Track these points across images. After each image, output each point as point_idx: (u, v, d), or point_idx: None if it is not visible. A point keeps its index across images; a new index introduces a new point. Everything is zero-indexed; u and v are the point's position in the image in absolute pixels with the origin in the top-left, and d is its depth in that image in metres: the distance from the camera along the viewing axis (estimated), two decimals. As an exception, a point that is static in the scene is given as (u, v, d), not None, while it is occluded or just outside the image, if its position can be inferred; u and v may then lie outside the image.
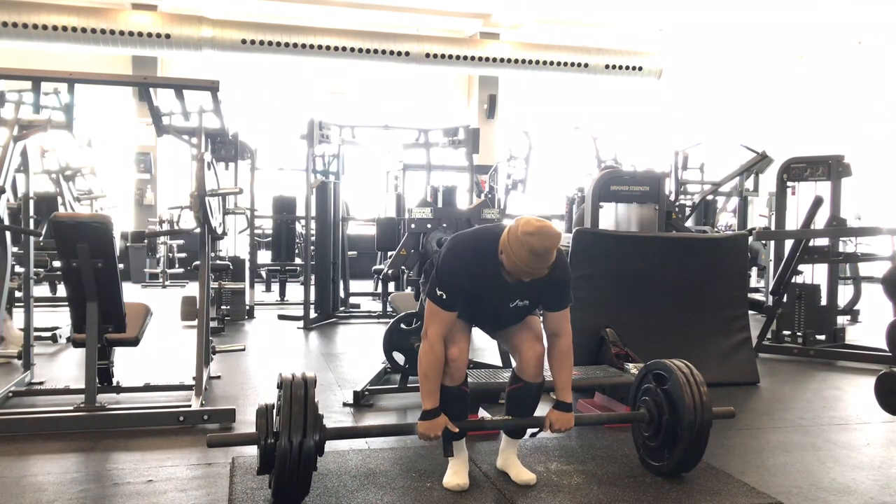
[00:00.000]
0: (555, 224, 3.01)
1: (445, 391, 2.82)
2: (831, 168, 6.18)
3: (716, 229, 9.49)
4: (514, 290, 2.75)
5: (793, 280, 6.12)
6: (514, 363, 3.02)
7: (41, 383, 4.44)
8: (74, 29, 10.99)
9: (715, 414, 2.94)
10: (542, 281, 2.68)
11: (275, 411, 2.68)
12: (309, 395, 2.62)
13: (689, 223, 8.62)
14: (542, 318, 2.92)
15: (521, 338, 2.91)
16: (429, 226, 4.99)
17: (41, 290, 8.07)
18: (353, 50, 12.31)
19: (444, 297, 2.71)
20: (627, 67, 13.64)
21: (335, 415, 3.99)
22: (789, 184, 6.53)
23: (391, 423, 3.90)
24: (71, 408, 3.66)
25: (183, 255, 11.44)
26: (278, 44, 12.05)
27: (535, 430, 2.98)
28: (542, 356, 2.90)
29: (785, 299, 6.11)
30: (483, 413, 3.72)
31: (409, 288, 7.25)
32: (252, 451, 3.31)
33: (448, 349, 2.77)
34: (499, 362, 4.71)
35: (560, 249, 2.69)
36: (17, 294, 5.82)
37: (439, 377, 2.76)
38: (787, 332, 6.11)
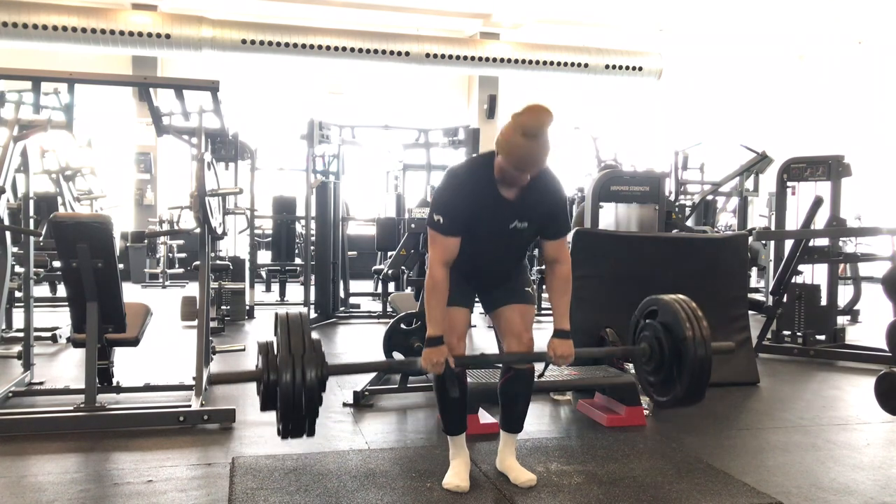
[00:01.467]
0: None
1: (444, 375, 2.84)
2: (831, 168, 6.18)
3: (716, 229, 9.49)
4: (512, 210, 2.73)
5: (793, 280, 6.11)
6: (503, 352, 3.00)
7: (41, 383, 4.44)
8: (74, 29, 10.99)
9: (715, 349, 2.91)
10: (540, 197, 2.71)
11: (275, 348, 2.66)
12: (306, 329, 2.61)
13: (689, 223, 8.62)
14: (542, 248, 2.89)
15: (512, 324, 2.89)
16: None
17: (41, 290, 8.07)
18: (352, 50, 12.31)
19: (441, 221, 2.69)
20: (627, 67, 13.64)
21: (335, 415, 3.99)
22: (789, 184, 6.53)
23: (392, 423, 3.90)
24: (71, 408, 3.66)
25: (183, 255, 11.44)
26: (278, 44, 12.05)
27: (542, 370, 2.95)
28: (531, 344, 2.89)
29: (785, 299, 6.10)
30: (483, 413, 3.72)
31: (409, 288, 7.26)
32: (252, 451, 3.33)
33: (448, 338, 2.77)
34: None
35: (557, 177, 2.76)
36: (17, 294, 5.82)
37: (442, 303, 2.73)
38: (787, 332, 6.11)
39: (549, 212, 2.78)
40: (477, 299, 3.03)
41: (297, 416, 2.55)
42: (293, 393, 2.49)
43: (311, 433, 2.66)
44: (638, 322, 3.16)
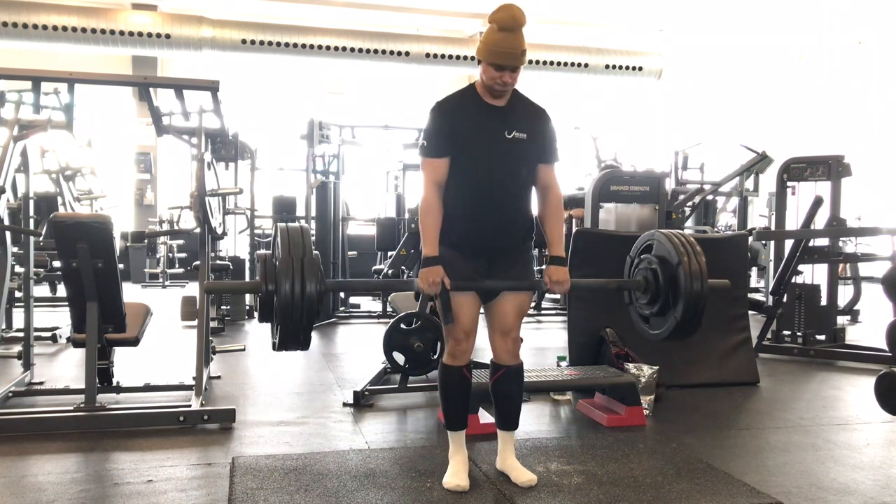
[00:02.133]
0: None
1: (448, 370, 2.87)
2: (831, 168, 6.18)
3: (716, 229, 9.49)
4: (503, 116, 2.76)
5: (793, 280, 6.12)
6: (492, 350, 2.98)
7: (41, 383, 4.44)
8: (74, 29, 10.99)
9: (712, 285, 2.89)
10: (530, 113, 2.79)
11: (274, 261, 2.66)
12: (306, 242, 2.62)
13: (688, 223, 8.62)
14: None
15: (504, 319, 2.87)
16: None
17: (41, 290, 8.07)
18: (352, 50, 12.31)
19: (427, 144, 2.76)
20: (627, 67, 13.65)
21: (335, 415, 3.99)
22: (789, 184, 6.53)
23: (392, 424, 3.90)
24: (71, 408, 3.66)
25: (183, 255, 11.44)
26: (278, 44, 12.05)
27: (538, 298, 2.95)
28: (518, 342, 2.91)
29: (785, 299, 6.10)
30: (483, 413, 3.72)
31: (409, 288, 7.25)
32: (252, 451, 3.33)
33: (455, 331, 2.80)
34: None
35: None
36: (17, 294, 5.82)
37: (437, 225, 2.75)
38: (787, 332, 6.11)
39: (542, 128, 2.83)
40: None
41: (293, 327, 2.55)
42: (291, 304, 2.50)
43: (306, 346, 2.69)
44: (633, 260, 3.14)
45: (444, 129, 2.75)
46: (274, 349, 2.71)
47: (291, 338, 2.57)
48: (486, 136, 2.74)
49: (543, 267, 2.88)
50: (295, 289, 2.49)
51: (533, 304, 3.07)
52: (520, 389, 2.98)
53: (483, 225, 2.78)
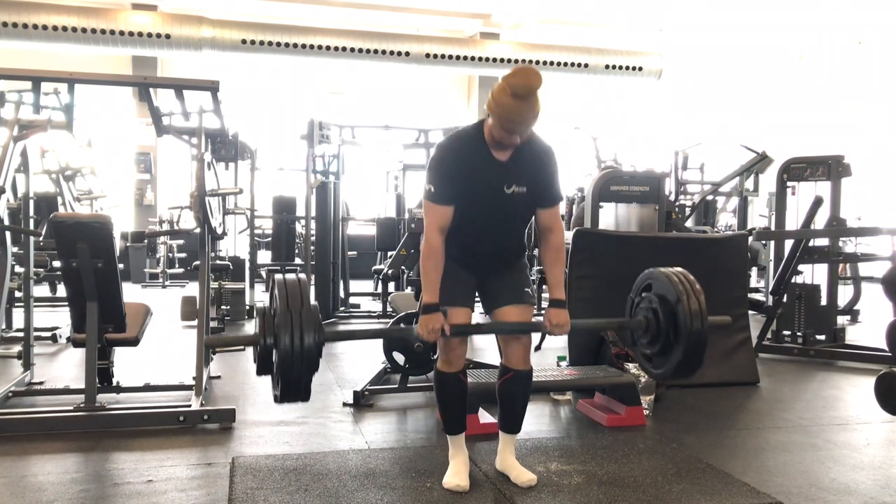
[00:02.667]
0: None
1: (444, 377, 2.85)
2: (831, 168, 6.18)
3: (716, 229, 9.49)
4: (505, 171, 2.73)
5: (793, 280, 6.11)
6: (502, 354, 2.99)
7: (41, 383, 4.44)
8: (74, 29, 10.99)
9: (712, 322, 2.88)
10: (533, 160, 2.73)
11: (272, 314, 2.64)
12: (304, 294, 2.59)
13: (689, 223, 8.62)
14: (536, 218, 2.90)
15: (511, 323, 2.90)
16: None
17: (41, 290, 8.07)
18: (352, 50, 12.31)
19: (433, 189, 2.71)
20: (627, 67, 13.65)
21: (335, 415, 3.99)
22: (789, 184, 6.53)
23: (392, 423, 3.90)
24: (71, 408, 3.66)
25: (183, 255, 11.44)
26: (278, 44, 12.05)
27: (539, 342, 2.94)
28: (529, 346, 2.90)
29: (785, 299, 6.10)
30: (483, 413, 3.72)
31: (409, 288, 7.26)
32: (252, 451, 3.33)
33: (449, 338, 2.77)
34: (499, 363, 4.71)
35: (547, 143, 2.79)
36: (17, 294, 5.82)
37: (438, 270, 2.74)
38: (787, 332, 6.11)
39: (543, 176, 2.80)
40: (477, 298, 3.03)
41: (293, 380, 2.53)
42: (290, 357, 2.47)
43: (307, 398, 2.65)
44: (635, 295, 3.14)
45: (450, 178, 2.71)
46: (276, 401, 2.69)
47: (292, 390, 2.56)
48: (486, 190, 2.75)
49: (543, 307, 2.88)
50: (294, 342, 2.47)
51: (535, 347, 3.06)
52: (526, 394, 2.99)
53: (478, 257, 2.89)
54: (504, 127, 2.58)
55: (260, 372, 2.64)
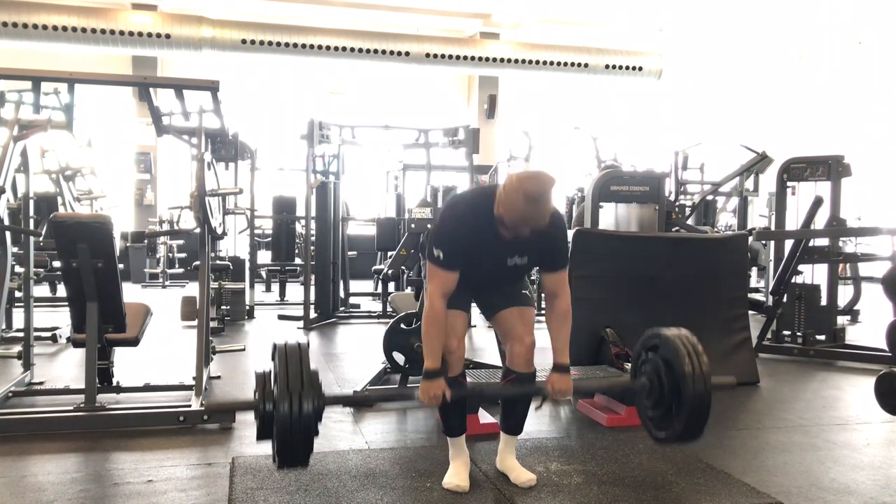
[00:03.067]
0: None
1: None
2: (831, 168, 6.18)
3: (716, 229, 9.49)
4: (511, 247, 2.74)
5: (793, 280, 6.11)
6: (506, 355, 3.00)
7: (41, 383, 4.44)
8: (74, 29, 11.00)
9: (715, 384, 2.89)
10: (540, 237, 2.68)
11: (272, 379, 2.64)
12: (304, 360, 2.60)
13: (688, 223, 8.61)
14: (540, 280, 2.92)
15: (513, 327, 2.91)
16: (429, 226, 4.98)
17: (41, 290, 8.07)
18: (353, 50, 12.31)
19: (442, 256, 2.71)
20: (627, 67, 13.65)
21: (335, 415, 3.98)
22: (789, 184, 6.53)
23: (392, 423, 3.90)
24: (71, 408, 3.66)
25: (183, 255, 11.44)
26: (278, 44, 12.05)
27: (539, 403, 2.94)
28: (533, 347, 2.90)
29: (785, 299, 6.10)
30: (483, 413, 3.72)
31: (409, 288, 7.25)
32: (252, 451, 3.32)
33: (447, 340, 2.77)
34: (499, 362, 4.71)
35: (557, 209, 2.73)
36: (17, 294, 5.82)
37: (441, 336, 2.74)
38: (787, 332, 6.11)
39: (549, 248, 2.80)
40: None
41: (293, 449, 2.55)
42: (290, 425, 2.49)
43: (306, 464, 2.65)
44: (640, 354, 3.15)
45: (458, 248, 2.72)
46: (277, 468, 2.69)
47: (291, 456, 2.58)
48: (490, 260, 2.79)
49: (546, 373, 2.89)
50: (293, 409, 2.49)
51: (536, 406, 3.08)
52: (529, 397, 2.99)
53: (476, 296, 3.01)
54: (515, 224, 2.58)
55: (260, 438, 2.64)
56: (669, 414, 2.95)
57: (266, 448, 3.36)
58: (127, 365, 4.73)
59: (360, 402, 3.23)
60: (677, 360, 2.88)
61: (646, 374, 3.05)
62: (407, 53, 12.57)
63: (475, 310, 3.17)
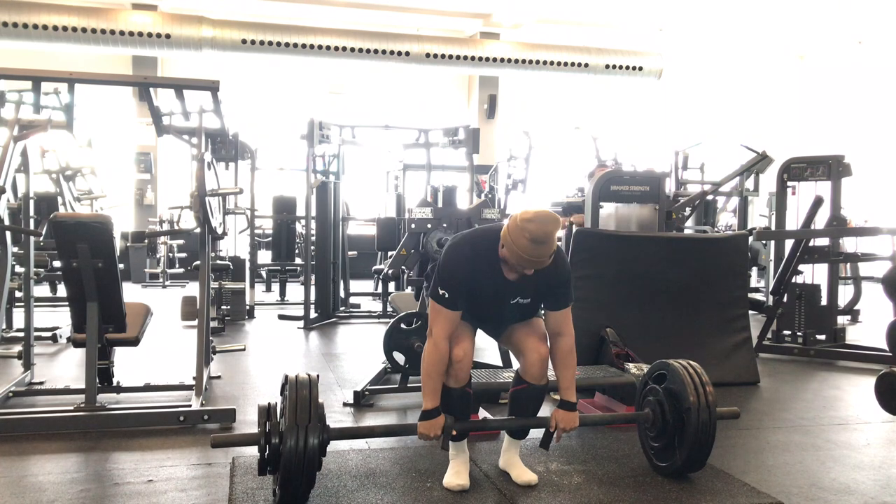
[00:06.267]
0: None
1: (449, 392, 2.82)
2: (831, 168, 6.18)
3: (716, 229, 9.49)
4: (514, 288, 2.76)
5: (793, 280, 6.12)
6: (517, 364, 3.01)
7: (41, 383, 4.44)
8: (74, 29, 10.99)
9: (720, 414, 2.92)
10: (543, 277, 2.70)
11: (278, 411, 2.67)
12: (313, 396, 2.61)
13: (689, 223, 8.62)
14: (544, 318, 2.91)
15: (525, 339, 2.91)
16: (429, 226, 4.99)
17: (41, 290, 8.07)
18: (353, 50, 12.31)
19: (447, 295, 2.72)
20: (627, 67, 13.65)
21: (335, 415, 3.99)
22: (789, 184, 6.53)
23: (392, 422, 3.90)
24: (71, 408, 3.66)
25: (183, 255, 11.45)
26: (278, 44, 12.05)
27: (546, 440, 2.94)
28: (547, 358, 2.89)
29: (785, 299, 6.10)
30: (483, 413, 3.72)
31: (409, 288, 7.25)
32: (252, 451, 3.32)
33: (453, 350, 2.77)
34: (499, 362, 4.71)
35: (560, 247, 2.72)
36: (18, 294, 5.82)
37: (441, 376, 2.76)
38: (787, 332, 6.11)
39: (551, 287, 2.81)
40: None
41: (295, 484, 2.56)
42: (293, 462, 2.51)
43: (305, 500, 2.66)
44: (646, 383, 3.16)
45: (462, 289, 2.74)
46: (274, 500, 2.69)
47: (292, 492, 2.58)
48: (493, 300, 2.82)
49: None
50: (299, 444, 2.50)
51: (539, 444, 3.08)
52: (538, 406, 2.99)
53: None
54: (518, 264, 2.61)
55: (261, 472, 2.64)
56: (672, 445, 2.96)
57: (266, 448, 3.37)
58: (127, 365, 4.73)
59: (366, 436, 3.27)
60: (682, 390, 2.91)
61: (649, 405, 3.07)
62: (407, 53, 12.57)
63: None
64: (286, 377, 2.68)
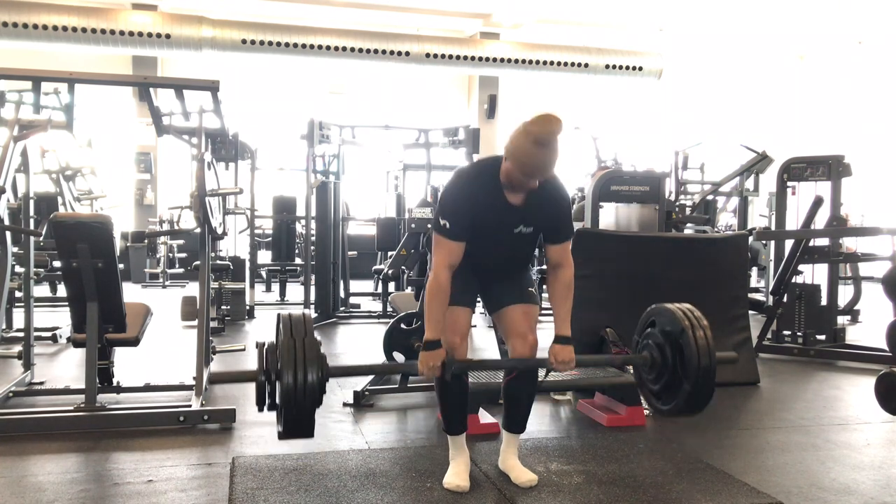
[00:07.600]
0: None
1: (445, 381, 2.83)
2: (831, 168, 6.18)
3: (716, 229, 9.49)
4: (517, 215, 2.73)
5: (793, 280, 6.12)
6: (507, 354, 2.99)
7: (41, 383, 4.44)
8: (74, 29, 11.00)
9: (719, 358, 2.84)
10: (546, 200, 2.70)
11: (277, 350, 2.64)
12: (309, 330, 2.59)
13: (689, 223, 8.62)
14: (544, 252, 2.89)
15: (516, 324, 2.89)
16: (429, 226, 4.98)
17: (41, 290, 8.07)
18: (353, 50, 12.31)
19: (448, 225, 2.68)
20: (627, 67, 13.65)
21: (335, 414, 3.99)
22: (789, 184, 6.53)
23: (392, 422, 3.91)
24: (71, 408, 3.66)
25: (183, 255, 11.44)
26: (278, 44, 12.05)
27: (544, 374, 2.88)
28: (535, 346, 2.88)
29: (785, 299, 6.10)
30: (483, 413, 3.72)
31: (409, 288, 7.25)
32: (252, 451, 3.33)
33: (450, 337, 2.77)
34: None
35: (559, 181, 2.76)
36: (18, 294, 5.82)
37: (443, 307, 2.71)
38: (787, 332, 6.10)
39: (554, 216, 2.79)
40: (478, 298, 3.03)
41: (296, 418, 2.54)
42: (294, 394, 2.47)
43: (311, 434, 2.65)
44: (642, 329, 3.12)
45: (465, 217, 2.70)
46: (279, 438, 2.68)
47: (295, 426, 2.56)
48: (496, 230, 2.77)
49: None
50: (298, 377, 2.46)
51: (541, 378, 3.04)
52: (532, 394, 2.98)
53: (482, 269, 2.91)
54: (523, 172, 2.57)
55: (260, 408, 2.62)
56: (672, 385, 2.90)
57: (266, 448, 3.38)
58: (127, 365, 4.73)
59: (363, 373, 3.23)
60: (678, 327, 2.85)
61: (646, 348, 3.02)
62: (407, 53, 12.57)
63: (476, 309, 3.17)
64: (278, 315, 2.67)
